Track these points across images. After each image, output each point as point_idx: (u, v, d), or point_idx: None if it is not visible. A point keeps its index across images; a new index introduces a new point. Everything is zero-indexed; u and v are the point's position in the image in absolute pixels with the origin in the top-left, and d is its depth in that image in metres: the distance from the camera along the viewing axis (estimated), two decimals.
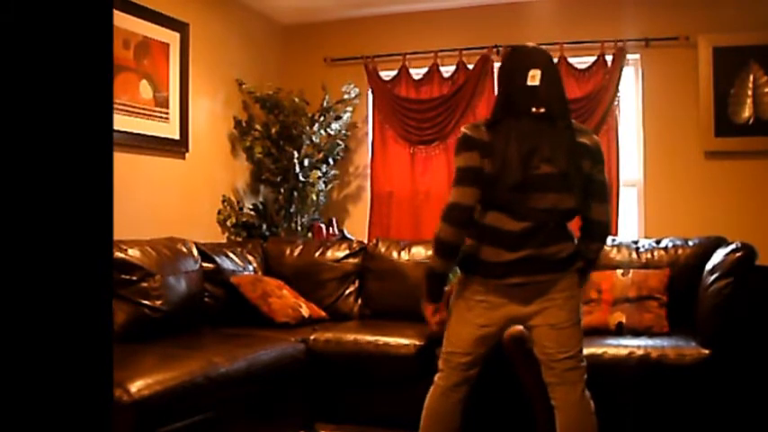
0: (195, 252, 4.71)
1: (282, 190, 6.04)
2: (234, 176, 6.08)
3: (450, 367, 3.19)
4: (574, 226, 3.23)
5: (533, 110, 3.03)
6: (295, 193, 6.01)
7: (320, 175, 6.10)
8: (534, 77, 3.04)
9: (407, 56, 6.25)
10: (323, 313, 5.10)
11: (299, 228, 6.10)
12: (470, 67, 6.05)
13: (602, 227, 3.21)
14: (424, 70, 6.22)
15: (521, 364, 3.73)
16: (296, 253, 5.47)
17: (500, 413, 4.17)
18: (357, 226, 6.38)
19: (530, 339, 3.23)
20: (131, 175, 4.84)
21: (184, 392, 3.35)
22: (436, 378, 3.23)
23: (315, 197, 6.05)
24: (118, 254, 4.08)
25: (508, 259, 3.02)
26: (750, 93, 5.36)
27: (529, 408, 3.77)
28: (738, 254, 3.99)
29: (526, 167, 2.98)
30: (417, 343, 4.28)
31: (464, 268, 3.18)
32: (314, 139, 6.06)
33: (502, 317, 3.12)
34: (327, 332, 4.57)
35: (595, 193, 3.13)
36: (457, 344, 3.18)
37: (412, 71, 6.27)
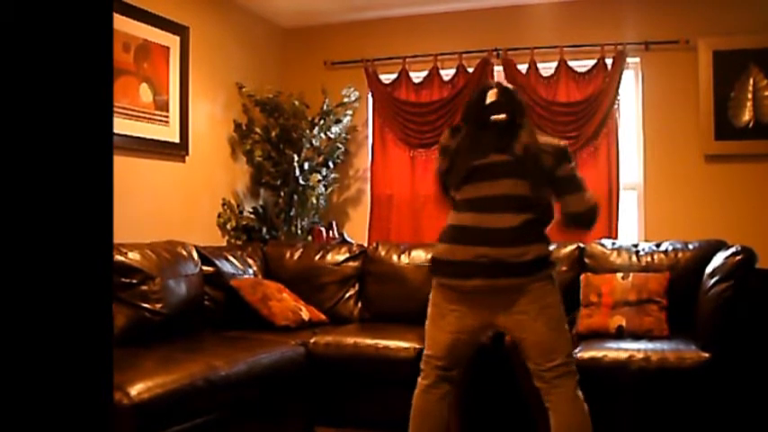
0: (195, 255, 4.71)
1: (282, 193, 6.04)
2: (234, 180, 6.07)
3: (429, 368, 3.28)
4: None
5: (492, 118, 3.23)
6: (295, 197, 6.01)
7: (320, 178, 6.10)
8: (490, 96, 3.28)
9: (407, 59, 6.26)
10: (323, 316, 5.10)
11: (299, 231, 6.10)
12: (470, 70, 6.05)
13: (580, 218, 3.31)
14: (424, 73, 6.23)
15: (518, 365, 3.74)
16: (296, 256, 5.47)
17: (500, 414, 4.17)
18: (357, 229, 6.38)
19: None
20: (131, 178, 4.84)
21: (185, 396, 3.35)
22: (419, 378, 3.32)
23: (315, 200, 6.05)
24: (118, 257, 4.08)
25: (471, 256, 3.07)
26: (750, 96, 5.36)
27: (528, 409, 3.77)
28: (738, 257, 3.99)
29: (474, 156, 3.20)
30: (417, 346, 4.27)
31: (433, 272, 3.27)
32: (314, 142, 6.06)
33: (474, 325, 3.21)
34: (327, 335, 4.57)
35: (566, 187, 3.24)
36: (433, 347, 3.27)
37: (412, 74, 6.27)
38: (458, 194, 3.24)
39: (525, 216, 3.11)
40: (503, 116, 3.22)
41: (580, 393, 3.11)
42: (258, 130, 6.03)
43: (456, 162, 3.24)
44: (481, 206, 3.14)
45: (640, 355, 3.85)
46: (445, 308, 3.19)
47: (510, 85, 3.47)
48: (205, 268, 4.80)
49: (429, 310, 3.29)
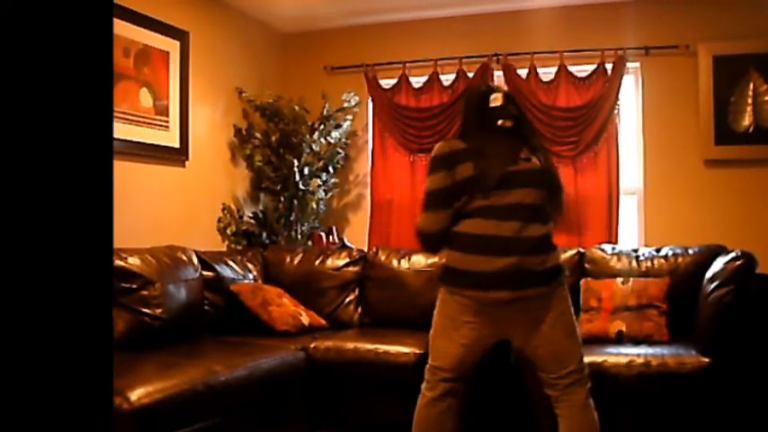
0: (195, 260, 4.71)
1: (282, 198, 6.04)
2: (234, 185, 6.08)
3: (435, 379, 3.20)
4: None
5: (500, 122, 3.14)
6: (295, 202, 6.01)
7: (320, 183, 6.10)
8: (496, 99, 3.17)
9: (407, 64, 6.26)
10: (323, 321, 5.10)
11: (299, 236, 6.09)
12: (470, 75, 6.05)
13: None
14: (424, 78, 6.23)
15: (526, 369, 3.74)
16: (296, 261, 5.47)
17: (503, 419, 4.17)
18: (357, 234, 6.37)
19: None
20: (131, 183, 4.84)
21: (184, 400, 3.35)
22: (423, 388, 3.25)
23: (315, 205, 6.05)
24: (118, 262, 4.08)
25: (498, 267, 2.96)
26: (750, 101, 5.36)
27: (531, 413, 3.77)
28: (738, 262, 3.99)
29: (507, 162, 3.09)
30: (417, 351, 4.27)
31: (448, 282, 3.14)
32: (314, 147, 6.06)
33: (490, 336, 3.14)
34: (327, 340, 4.56)
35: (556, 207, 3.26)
36: (442, 359, 3.18)
37: (412, 79, 6.27)
38: (479, 202, 3.06)
39: (548, 226, 3.09)
40: (509, 123, 3.15)
41: (591, 402, 3.08)
42: (258, 134, 6.04)
43: (485, 167, 3.05)
44: (508, 214, 3.01)
45: (640, 360, 3.84)
46: (459, 320, 3.08)
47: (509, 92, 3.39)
48: (205, 273, 4.80)
49: (438, 320, 3.19)
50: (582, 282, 4.65)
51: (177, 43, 5.31)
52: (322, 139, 6.11)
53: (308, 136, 6.02)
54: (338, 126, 6.17)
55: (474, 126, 3.20)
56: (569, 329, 3.09)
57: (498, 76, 6.01)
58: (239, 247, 5.78)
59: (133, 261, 4.18)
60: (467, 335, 3.10)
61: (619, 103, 5.70)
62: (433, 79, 6.18)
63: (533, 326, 3.04)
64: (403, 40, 6.35)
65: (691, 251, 4.65)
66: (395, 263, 5.26)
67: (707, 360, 3.76)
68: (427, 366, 3.25)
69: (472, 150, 3.11)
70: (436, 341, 3.22)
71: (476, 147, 3.11)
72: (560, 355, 3.06)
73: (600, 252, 4.87)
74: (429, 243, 3.22)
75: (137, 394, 3.11)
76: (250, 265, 5.31)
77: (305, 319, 4.94)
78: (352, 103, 6.20)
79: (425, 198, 3.18)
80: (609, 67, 5.68)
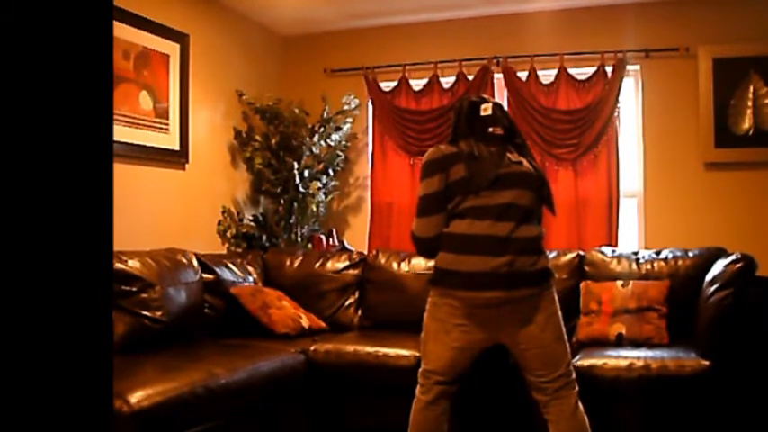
0: (195, 263, 4.71)
1: (282, 201, 6.04)
2: (234, 187, 6.08)
3: (429, 383, 3.22)
4: None
5: (490, 130, 3.19)
6: (295, 204, 6.01)
7: (320, 185, 6.10)
8: (486, 109, 3.23)
9: (407, 67, 6.26)
10: (323, 324, 5.09)
11: (299, 239, 6.09)
12: (470, 78, 6.05)
13: None
14: (424, 81, 6.23)
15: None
16: (296, 264, 5.47)
17: (502, 419, 4.16)
18: (357, 237, 6.37)
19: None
20: (131, 186, 4.84)
21: (185, 403, 3.35)
22: (417, 392, 3.26)
23: (315, 208, 6.05)
24: (118, 265, 4.08)
25: (492, 267, 2.97)
26: (750, 104, 5.36)
27: (529, 413, 3.77)
28: (738, 265, 3.99)
29: (499, 164, 3.11)
30: (417, 354, 4.24)
31: (440, 284, 3.14)
32: (314, 149, 6.07)
33: (481, 339, 3.14)
34: (327, 343, 4.56)
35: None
36: (435, 362, 3.20)
37: (412, 82, 6.27)
38: (471, 201, 3.08)
39: (540, 228, 3.14)
40: (500, 131, 3.20)
41: (581, 405, 3.09)
42: (258, 137, 6.04)
43: (477, 168, 3.08)
44: (502, 214, 3.03)
45: (640, 363, 3.84)
46: (450, 323, 3.10)
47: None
48: (205, 276, 4.80)
49: (429, 324, 3.20)
50: (582, 284, 4.65)
51: (177, 46, 5.31)
52: (322, 142, 6.11)
53: (308, 139, 6.02)
54: (338, 129, 6.18)
55: (465, 133, 3.24)
56: (559, 332, 3.11)
57: (498, 79, 6.01)
58: (239, 250, 5.78)
59: (133, 264, 4.18)
60: (459, 338, 3.11)
61: (619, 105, 5.70)
62: (433, 82, 6.18)
63: (526, 327, 3.05)
64: (403, 42, 6.36)
65: (691, 254, 4.64)
66: (395, 266, 5.26)
67: (707, 363, 3.76)
68: (420, 370, 3.27)
69: (464, 154, 3.14)
70: (428, 345, 3.23)
71: (467, 150, 3.15)
72: (550, 358, 3.07)
73: (600, 255, 4.87)
74: (425, 248, 3.26)
75: (137, 397, 3.11)
76: (250, 268, 5.31)
77: (305, 322, 4.93)
78: (352, 106, 6.20)
79: (420, 203, 3.22)
80: (609, 69, 5.68)
